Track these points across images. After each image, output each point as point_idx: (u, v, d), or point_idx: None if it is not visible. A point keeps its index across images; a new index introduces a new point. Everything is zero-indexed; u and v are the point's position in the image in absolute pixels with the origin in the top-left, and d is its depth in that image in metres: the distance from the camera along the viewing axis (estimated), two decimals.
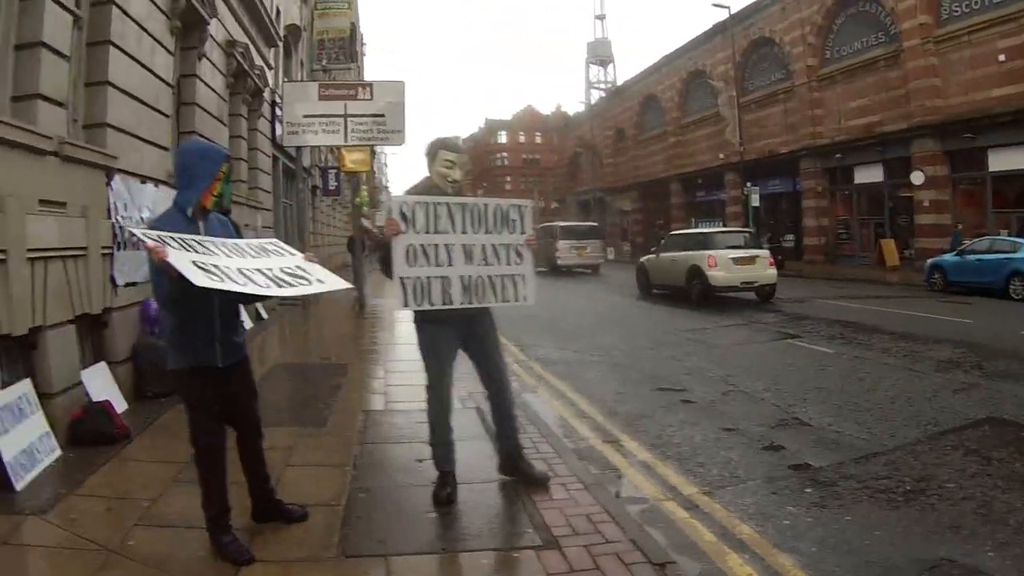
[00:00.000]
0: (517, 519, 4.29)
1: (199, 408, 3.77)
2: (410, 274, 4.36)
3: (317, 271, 3.99)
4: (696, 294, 17.04)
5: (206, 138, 10.51)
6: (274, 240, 4.24)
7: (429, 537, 4.04)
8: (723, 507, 4.67)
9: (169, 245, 3.33)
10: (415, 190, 4.88)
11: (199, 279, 3.20)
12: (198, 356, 3.68)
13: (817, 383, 8.22)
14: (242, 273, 3.47)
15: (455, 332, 4.61)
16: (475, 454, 5.32)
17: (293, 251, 4.14)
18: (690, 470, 5.42)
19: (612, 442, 6.19)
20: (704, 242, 17.86)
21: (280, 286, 3.65)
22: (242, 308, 4.09)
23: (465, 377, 8.23)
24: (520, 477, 4.82)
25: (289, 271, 3.83)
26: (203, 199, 3.73)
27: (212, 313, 3.69)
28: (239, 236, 3.98)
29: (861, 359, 9.65)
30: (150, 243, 3.28)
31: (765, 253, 17.96)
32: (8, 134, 5.10)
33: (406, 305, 4.38)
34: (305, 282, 3.82)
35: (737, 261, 16.91)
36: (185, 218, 3.71)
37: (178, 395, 3.90)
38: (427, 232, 4.41)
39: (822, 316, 14.02)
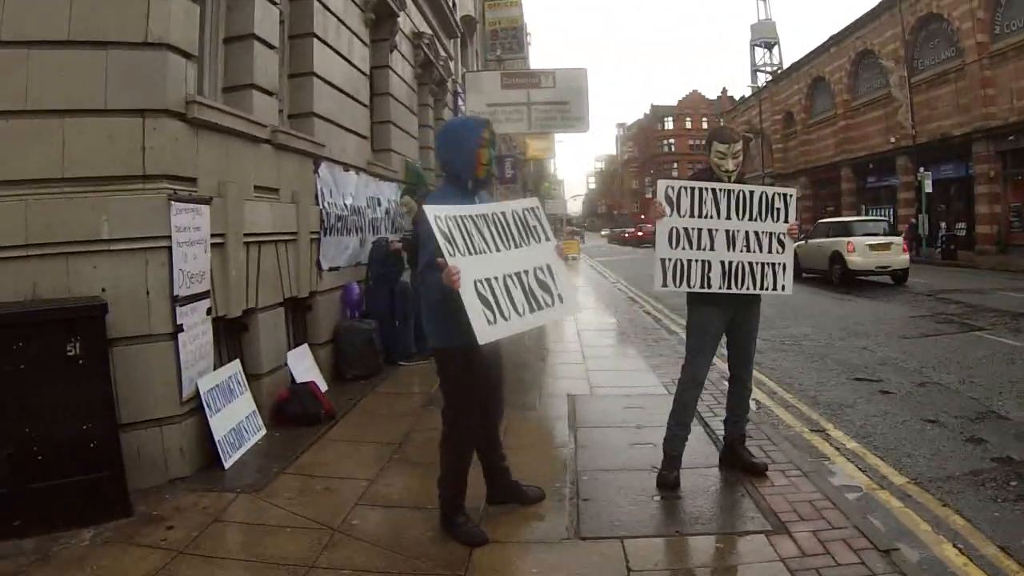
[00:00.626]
0: (743, 504, 4.27)
1: (461, 387, 3.79)
2: (671, 255, 4.43)
3: (560, 278, 4.04)
4: (836, 276, 18.31)
5: (399, 127, 10.76)
6: (534, 203, 4.24)
7: (660, 520, 4.06)
8: (935, 498, 4.63)
9: (449, 234, 3.48)
10: (696, 177, 4.80)
11: (484, 334, 3.44)
12: (464, 335, 3.56)
13: (1010, 376, 7.88)
14: (509, 295, 3.68)
15: (726, 317, 4.59)
16: (694, 440, 5.15)
17: (547, 227, 4.13)
18: (898, 460, 5.37)
19: (819, 431, 6.14)
20: (845, 230, 19.20)
21: (533, 310, 3.79)
22: None
23: (664, 365, 8.19)
24: (740, 465, 4.78)
25: (540, 278, 3.92)
26: (476, 170, 3.80)
27: None
28: None
29: None
30: (448, 269, 3.38)
31: (899, 240, 18.97)
32: (228, 122, 5.27)
33: (664, 284, 4.44)
34: (548, 300, 3.91)
35: (873, 247, 18.02)
36: (463, 191, 3.84)
37: (439, 372, 3.87)
38: (691, 216, 4.43)
39: (1005, 308, 13.22)
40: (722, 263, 4.45)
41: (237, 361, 5.52)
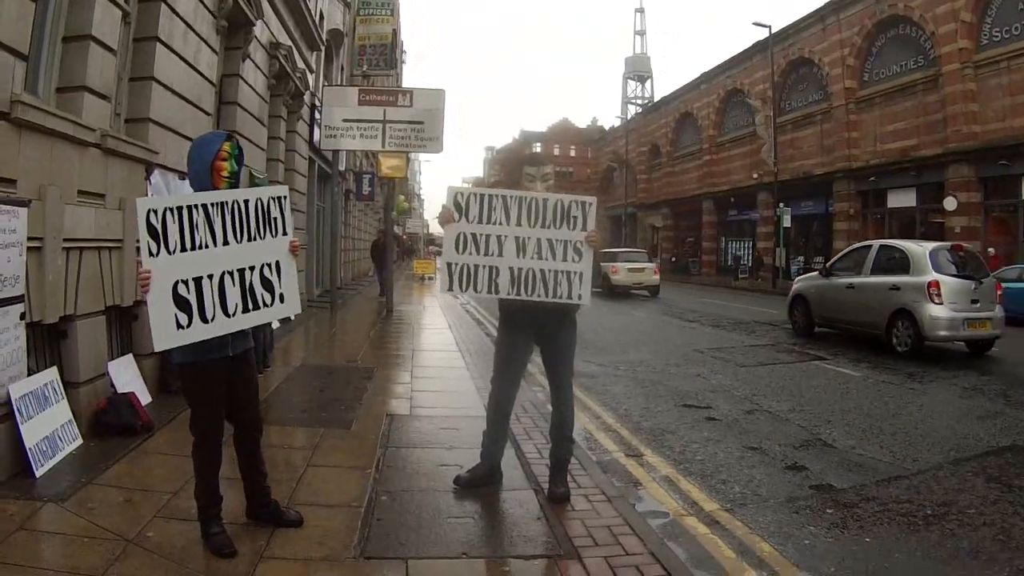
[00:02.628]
0: (537, 528, 4.32)
1: (204, 401, 3.82)
2: (457, 260, 4.53)
3: (286, 277, 4.06)
4: (605, 289, 24.46)
5: (245, 138, 10.64)
6: (283, 191, 4.19)
7: (450, 541, 4.08)
8: (744, 524, 4.69)
9: (159, 230, 3.51)
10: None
11: (170, 339, 3.55)
12: (208, 350, 3.72)
13: (842, 405, 8.24)
14: (221, 294, 3.71)
15: (529, 335, 4.71)
16: (503, 462, 5.34)
17: (288, 221, 4.10)
18: (712, 487, 5.45)
19: (635, 456, 6.23)
20: (612, 257, 26.50)
21: (248, 310, 3.85)
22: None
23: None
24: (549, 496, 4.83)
25: (265, 276, 3.95)
26: (214, 181, 3.81)
27: None
28: None
29: (887, 383, 9.62)
30: (139, 272, 3.47)
31: (652, 265, 27.31)
32: (54, 124, 5.18)
33: (449, 288, 4.54)
34: (268, 300, 3.96)
35: (632, 270, 26.09)
36: None
37: (183, 387, 3.94)
38: (479, 222, 4.53)
39: (850, 339, 13.91)
40: (511, 269, 4.52)
41: (54, 368, 5.39)
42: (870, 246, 13.87)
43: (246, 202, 3.86)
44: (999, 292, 12.34)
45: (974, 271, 12.13)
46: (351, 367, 9.47)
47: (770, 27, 34.39)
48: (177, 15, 7.58)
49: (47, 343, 5.54)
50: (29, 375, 5.01)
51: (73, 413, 5.41)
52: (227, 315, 3.74)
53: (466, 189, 4.57)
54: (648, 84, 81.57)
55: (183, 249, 3.58)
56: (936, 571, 4.10)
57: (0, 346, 4.60)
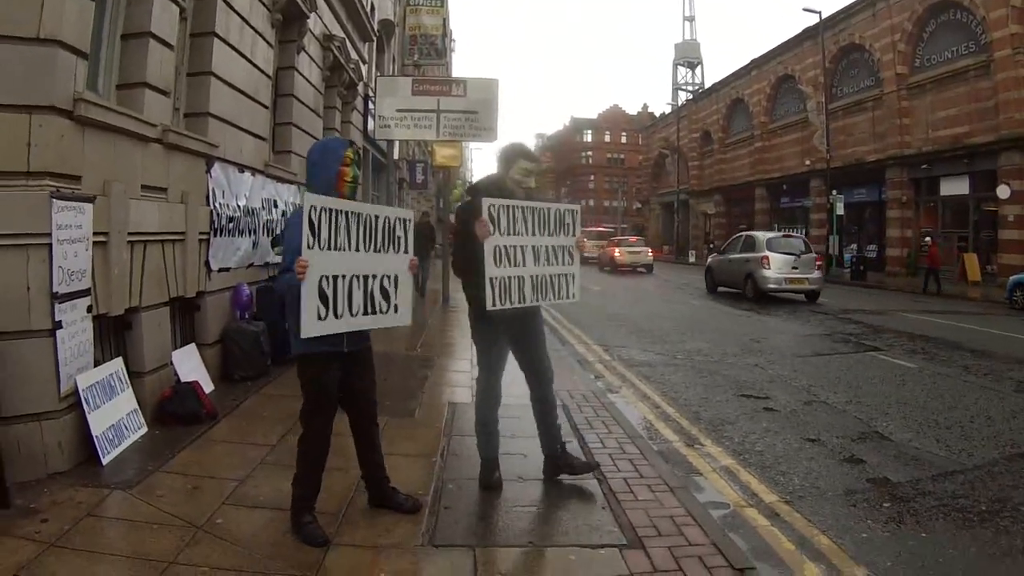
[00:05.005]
0: (601, 517, 4.35)
1: (319, 393, 3.98)
2: (497, 274, 4.49)
3: (402, 291, 4.30)
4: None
5: (302, 129, 10.78)
6: (408, 215, 4.42)
7: (516, 530, 4.14)
8: (803, 517, 4.70)
9: (316, 225, 3.74)
10: (482, 185, 4.96)
11: (311, 328, 3.71)
12: (324, 343, 3.85)
13: (898, 397, 8.14)
14: (349, 294, 3.93)
15: (508, 327, 4.74)
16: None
17: (409, 241, 4.34)
18: (771, 478, 5.46)
19: (695, 446, 6.26)
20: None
21: (367, 313, 4.07)
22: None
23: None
24: (567, 471, 4.94)
25: (384, 287, 4.17)
26: (338, 186, 4.03)
27: None
28: None
29: (942, 375, 9.45)
30: (299, 260, 3.65)
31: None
32: (116, 120, 5.29)
33: (493, 305, 4.45)
34: (384, 308, 4.19)
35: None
36: None
37: (299, 377, 4.04)
38: (509, 234, 4.58)
39: (904, 330, 13.87)
40: (532, 277, 4.69)
41: (119, 359, 5.53)
42: (740, 236, 22.40)
43: (376, 218, 4.12)
44: (819, 262, 20.50)
45: (796, 250, 19.61)
46: (411, 356, 9.53)
47: (820, 12, 33.68)
48: (233, 10, 7.69)
49: (113, 334, 5.68)
50: (96, 366, 5.14)
51: (138, 402, 5.55)
52: (351, 315, 3.96)
53: (498, 201, 4.55)
54: (698, 70, 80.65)
55: (329, 248, 3.83)
56: (989, 568, 4.07)
57: (68, 338, 4.73)
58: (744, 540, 4.30)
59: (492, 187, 4.80)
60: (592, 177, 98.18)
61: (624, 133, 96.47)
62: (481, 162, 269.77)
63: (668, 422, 7.01)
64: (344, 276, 3.91)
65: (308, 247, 3.69)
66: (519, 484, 4.84)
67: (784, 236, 21.57)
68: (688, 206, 55.92)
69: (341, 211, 3.89)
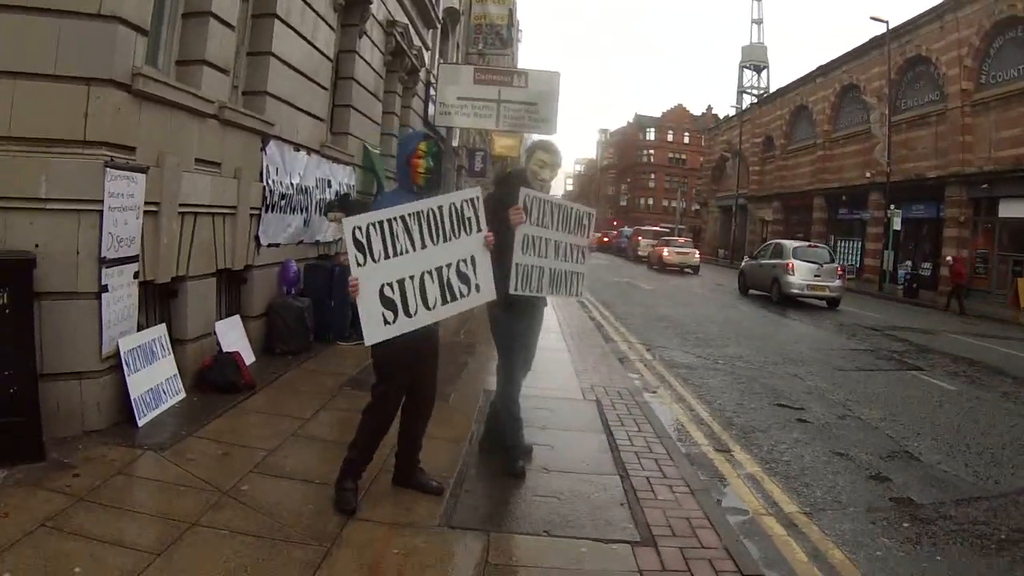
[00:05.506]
0: (619, 513, 4.39)
1: (391, 370, 4.12)
2: (523, 261, 4.62)
3: (481, 268, 4.32)
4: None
5: (360, 112, 10.93)
6: (476, 192, 4.46)
7: (533, 519, 4.21)
8: (820, 529, 4.70)
9: (364, 243, 3.88)
10: (513, 175, 5.14)
11: (376, 335, 3.89)
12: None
13: (933, 418, 7.99)
14: (422, 291, 4.06)
15: (523, 317, 4.91)
16: (592, 446, 5.51)
17: (481, 218, 4.35)
18: (794, 489, 5.45)
19: (724, 451, 6.25)
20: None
21: (447, 301, 4.17)
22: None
23: (590, 371, 8.47)
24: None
25: (461, 271, 4.24)
26: (413, 177, 4.21)
27: None
28: None
29: (981, 400, 9.27)
30: (351, 281, 3.85)
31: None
32: (173, 95, 5.46)
33: (515, 289, 4.57)
34: (465, 291, 4.25)
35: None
36: (410, 195, 4.19)
37: (373, 358, 4.18)
38: (539, 225, 4.70)
39: (948, 351, 13.55)
40: (551, 270, 4.84)
41: (163, 325, 5.72)
42: (771, 243, 24.51)
43: (440, 208, 4.18)
44: (840, 272, 21.72)
45: (820, 260, 21.21)
46: (454, 342, 9.59)
47: (887, 22, 32.68)
48: None
49: (159, 301, 5.88)
50: (139, 330, 5.33)
51: (179, 368, 5.74)
52: (428, 308, 4.08)
53: (534, 194, 4.68)
54: (764, 74, 79.14)
55: (387, 257, 3.95)
56: None
57: (114, 302, 4.91)
58: (758, 547, 4.32)
59: (517, 178, 4.96)
60: (653, 175, 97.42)
61: (687, 133, 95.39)
62: None
63: (700, 425, 7.01)
64: (413, 276, 4.03)
65: (359, 264, 3.84)
66: (543, 475, 4.90)
67: (810, 246, 22.92)
68: (746, 211, 55.06)
69: (395, 219, 3.98)
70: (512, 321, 4.84)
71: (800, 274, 20.42)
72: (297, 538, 3.64)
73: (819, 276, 20.48)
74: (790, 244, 22.31)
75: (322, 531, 3.74)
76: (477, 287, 4.30)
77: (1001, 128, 27.64)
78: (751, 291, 23.45)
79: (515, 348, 4.92)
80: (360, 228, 3.85)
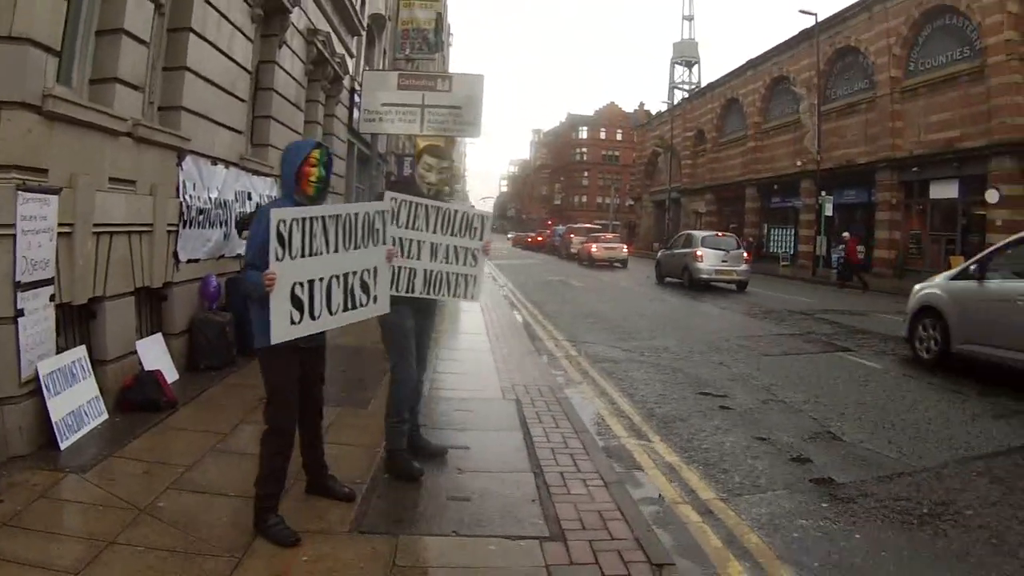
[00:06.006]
0: (529, 510, 4.48)
1: (282, 387, 4.09)
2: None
3: (380, 281, 4.51)
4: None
5: (281, 123, 10.90)
6: (386, 207, 4.60)
7: (444, 520, 4.29)
8: (736, 514, 4.79)
9: (286, 237, 3.86)
10: (393, 184, 5.29)
11: (283, 333, 3.88)
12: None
13: (858, 398, 8.22)
14: (328, 295, 4.14)
15: (413, 318, 5.03)
16: (509, 445, 5.61)
17: (387, 232, 4.52)
18: (712, 476, 5.55)
19: (643, 442, 6.35)
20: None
21: (347, 309, 4.29)
22: None
23: (513, 370, 8.58)
24: (421, 453, 5.22)
25: (364, 280, 4.38)
26: (303, 186, 4.13)
27: None
28: None
29: (908, 377, 9.57)
30: (267, 273, 3.80)
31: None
32: (84, 115, 5.44)
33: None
34: (364, 300, 4.41)
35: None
36: (294, 205, 4.09)
37: (261, 370, 4.15)
38: (407, 227, 4.84)
39: (878, 331, 13.89)
40: (425, 271, 4.96)
41: (83, 347, 5.69)
42: (682, 234, 26.93)
43: (356, 215, 4.30)
44: (748, 258, 24.27)
45: (727, 247, 23.32)
46: (378, 348, 9.61)
47: (816, 15, 33.87)
48: (211, 5, 7.79)
49: (77, 323, 5.84)
50: (59, 353, 5.31)
51: (101, 390, 5.72)
52: (331, 313, 4.17)
53: (402, 196, 4.82)
54: (695, 70, 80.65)
55: (303, 255, 3.97)
56: (921, 571, 4.12)
57: (31, 326, 4.89)
58: (672, 536, 4.42)
59: (403, 183, 5.12)
60: (586, 173, 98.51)
61: (620, 131, 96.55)
62: (475, 155, 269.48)
63: (621, 418, 7.11)
64: (322, 279, 4.09)
65: (277, 259, 3.83)
66: (458, 475, 5.01)
67: (717, 235, 25.22)
68: (680, 204, 56.05)
69: (317, 217, 4.03)
70: (399, 321, 4.92)
71: (708, 261, 22.64)
72: (209, 550, 3.71)
73: (726, 262, 22.78)
74: (699, 234, 24.63)
75: (235, 542, 3.81)
76: (375, 299, 4.47)
77: (930, 113, 28.97)
78: (667, 279, 25.30)
79: (400, 342, 5.02)
80: (284, 222, 3.85)
